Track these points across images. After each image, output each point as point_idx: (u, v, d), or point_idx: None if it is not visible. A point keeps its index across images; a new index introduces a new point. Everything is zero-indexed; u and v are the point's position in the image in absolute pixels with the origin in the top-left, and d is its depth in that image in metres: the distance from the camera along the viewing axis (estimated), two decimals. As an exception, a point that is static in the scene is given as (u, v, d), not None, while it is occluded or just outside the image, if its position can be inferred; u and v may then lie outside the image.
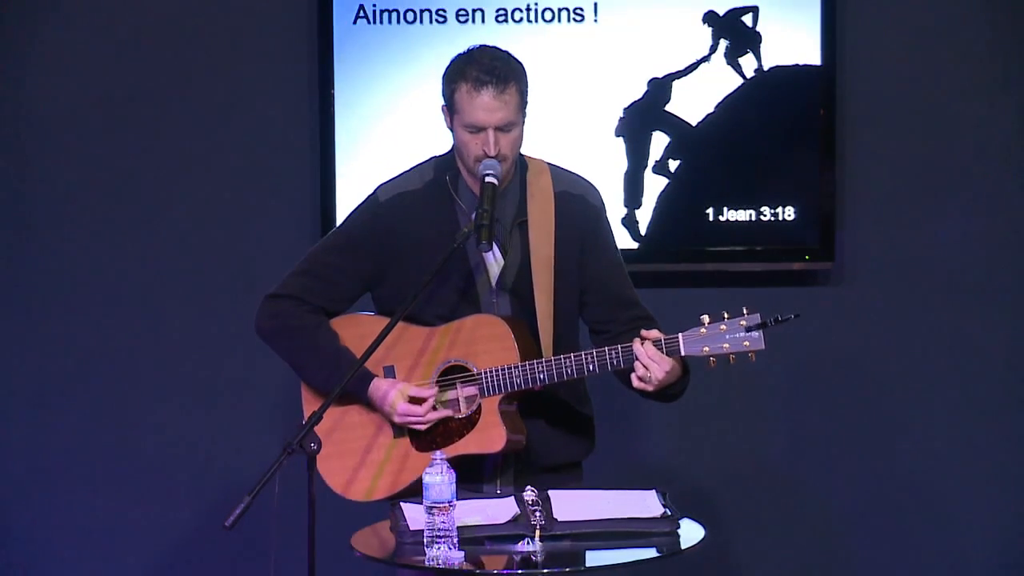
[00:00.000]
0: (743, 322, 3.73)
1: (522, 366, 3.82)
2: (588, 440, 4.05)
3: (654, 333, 3.77)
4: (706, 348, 3.75)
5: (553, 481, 3.90)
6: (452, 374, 3.90)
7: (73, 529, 5.50)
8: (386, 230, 3.94)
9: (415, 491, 3.69)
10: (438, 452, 3.52)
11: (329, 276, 3.96)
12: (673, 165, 5.41)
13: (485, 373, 3.85)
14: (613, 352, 3.78)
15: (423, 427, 3.87)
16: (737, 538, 5.51)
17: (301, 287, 3.96)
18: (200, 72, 5.46)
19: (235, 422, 5.49)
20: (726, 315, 3.75)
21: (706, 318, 3.75)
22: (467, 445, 3.87)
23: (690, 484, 5.47)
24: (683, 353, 3.75)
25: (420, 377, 3.91)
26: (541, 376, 3.82)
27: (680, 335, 3.76)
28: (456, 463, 3.79)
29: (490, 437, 3.85)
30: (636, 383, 3.78)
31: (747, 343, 3.74)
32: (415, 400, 3.86)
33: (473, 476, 3.91)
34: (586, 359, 3.80)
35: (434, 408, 3.88)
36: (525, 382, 3.83)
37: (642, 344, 3.76)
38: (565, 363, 3.81)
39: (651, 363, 3.75)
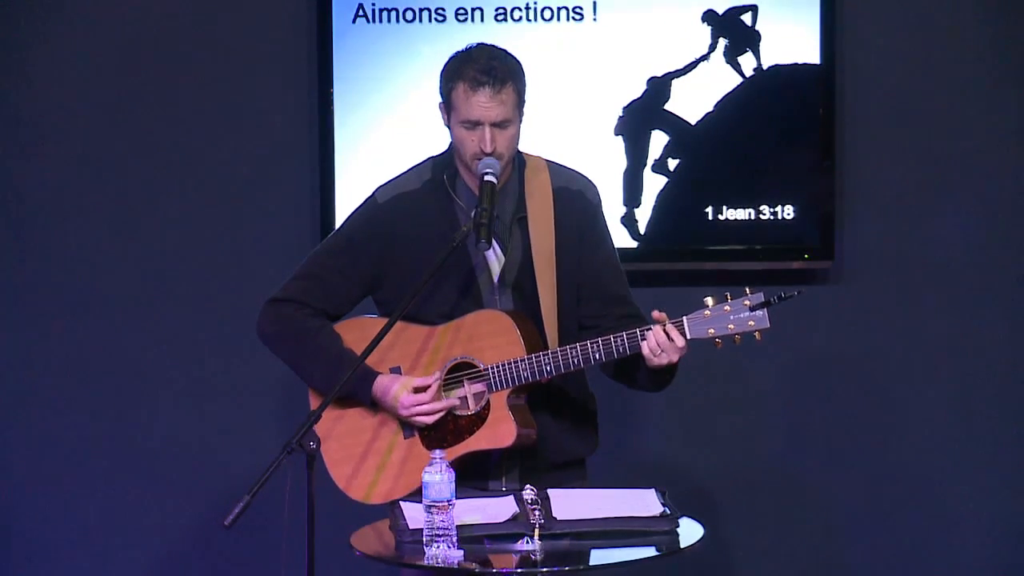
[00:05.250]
0: (747, 302, 3.73)
1: (528, 359, 3.83)
2: (593, 437, 4.05)
3: (662, 315, 3.76)
4: (711, 330, 3.74)
5: (558, 478, 3.91)
6: (458, 371, 3.90)
7: (73, 529, 5.50)
8: (386, 232, 3.94)
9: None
10: (437, 451, 3.52)
11: (330, 279, 3.96)
12: (672, 164, 5.41)
13: (492, 368, 3.85)
14: (619, 340, 3.78)
15: (431, 420, 3.86)
16: (736, 537, 5.51)
17: (302, 291, 3.96)
18: (199, 71, 5.46)
19: (235, 422, 5.49)
20: (729, 296, 3.75)
21: (710, 300, 3.75)
22: (478, 441, 3.87)
23: (689, 483, 5.47)
24: (689, 336, 3.75)
25: (425, 376, 3.91)
26: (548, 368, 3.82)
27: (685, 318, 3.76)
28: (462, 460, 3.80)
29: (500, 432, 3.85)
30: (647, 355, 3.77)
31: (752, 323, 3.73)
32: (419, 390, 3.86)
33: (479, 473, 3.91)
34: (592, 348, 3.80)
35: (439, 398, 3.87)
36: (532, 375, 3.83)
37: (657, 330, 3.76)
38: (571, 353, 3.81)
39: (666, 348, 3.75)
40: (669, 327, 3.76)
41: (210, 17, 5.45)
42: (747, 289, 3.75)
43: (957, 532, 5.49)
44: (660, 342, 3.76)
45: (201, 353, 5.49)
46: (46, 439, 5.49)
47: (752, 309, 3.73)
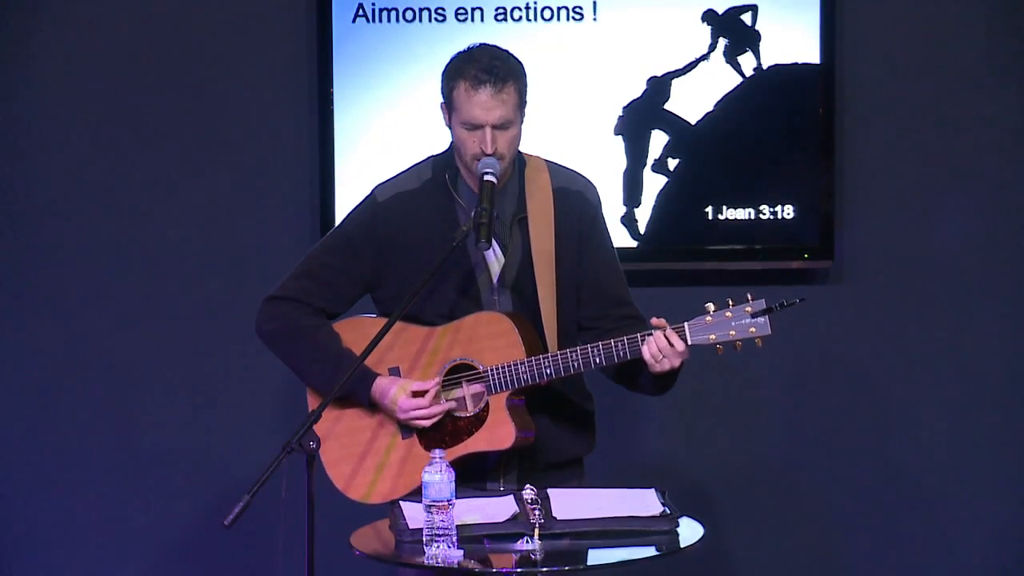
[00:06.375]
0: (748, 308, 3.73)
1: (528, 361, 3.82)
2: (590, 436, 4.06)
3: (661, 321, 3.76)
4: (712, 336, 3.74)
5: (557, 478, 3.91)
6: (457, 372, 3.90)
7: (72, 528, 5.50)
8: (385, 231, 3.94)
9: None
10: (437, 451, 3.52)
11: (328, 278, 3.96)
12: (672, 164, 5.41)
13: (491, 370, 3.85)
14: (619, 344, 3.78)
15: (428, 423, 3.87)
16: (736, 537, 5.51)
17: (300, 289, 3.96)
18: (199, 71, 5.46)
19: (235, 421, 5.49)
20: (731, 302, 3.74)
21: (711, 305, 3.74)
22: (476, 443, 3.87)
23: (689, 483, 5.47)
24: (690, 342, 3.75)
25: (424, 377, 3.91)
26: (547, 371, 3.82)
27: (686, 324, 3.76)
28: (461, 461, 3.80)
29: (499, 434, 3.85)
30: (649, 360, 3.77)
31: (753, 329, 3.73)
32: (417, 394, 3.86)
33: (478, 474, 3.91)
34: (592, 352, 3.80)
35: (438, 401, 3.87)
36: (531, 377, 3.83)
37: (658, 335, 3.75)
38: (571, 357, 3.81)
39: (667, 353, 3.75)
40: (670, 332, 3.76)
41: (210, 17, 5.45)
42: (749, 295, 3.75)
43: (957, 532, 5.49)
44: (661, 347, 3.76)
45: (201, 352, 5.49)
46: (45, 439, 5.49)
47: (754, 316, 3.73)
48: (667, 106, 5.40)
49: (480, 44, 3.91)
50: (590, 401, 4.05)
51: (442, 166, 3.96)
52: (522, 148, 3.97)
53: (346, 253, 3.96)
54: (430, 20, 5.37)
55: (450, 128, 3.91)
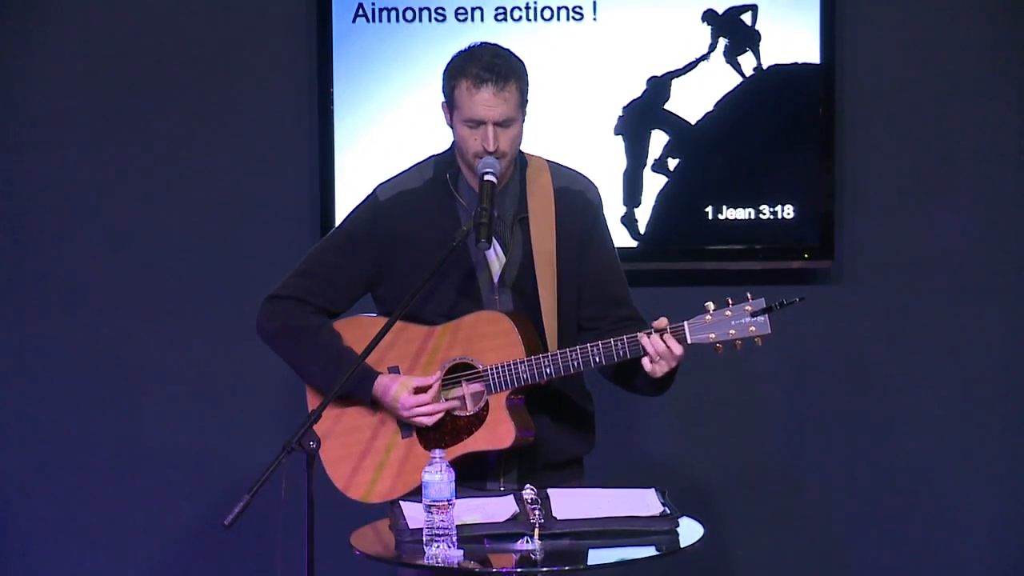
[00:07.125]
0: (748, 307, 3.73)
1: (528, 361, 3.83)
2: (590, 436, 4.06)
3: (662, 322, 3.76)
4: (712, 335, 3.74)
5: (556, 478, 3.91)
6: (457, 372, 3.90)
7: (73, 528, 5.50)
8: (386, 230, 3.94)
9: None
10: (437, 450, 3.52)
11: (329, 276, 3.96)
12: (672, 163, 5.41)
13: (491, 369, 3.85)
14: (619, 343, 3.78)
15: (430, 421, 3.86)
16: (736, 537, 5.51)
17: (302, 288, 3.96)
18: (199, 71, 5.46)
19: (236, 421, 5.49)
20: (730, 301, 3.74)
21: (711, 304, 3.74)
22: (476, 442, 3.87)
23: (689, 482, 5.47)
24: (690, 341, 3.75)
25: (424, 376, 3.91)
26: (547, 370, 3.82)
27: (686, 323, 3.76)
28: (461, 460, 3.80)
29: (498, 434, 3.85)
30: (648, 367, 3.77)
31: (753, 328, 3.72)
32: (419, 391, 3.86)
33: (478, 473, 3.92)
34: (592, 351, 3.80)
35: (439, 399, 3.88)
36: (531, 377, 3.83)
37: (649, 336, 3.76)
38: (571, 356, 3.81)
39: (665, 356, 3.75)
40: (667, 336, 3.75)
41: (210, 17, 5.46)
42: (748, 294, 3.75)
43: (957, 532, 5.49)
44: (659, 350, 3.76)
45: (201, 352, 5.49)
46: (45, 439, 5.49)
47: (753, 315, 3.73)
48: (667, 106, 5.40)
49: (481, 43, 3.91)
50: (590, 401, 4.06)
51: (443, 165, 3.96)
52: (523, 148, 3.97)
53: (347, 252, 3.96)
54: (430, 20, 5.37)
55: (451, 127, 3.91)
